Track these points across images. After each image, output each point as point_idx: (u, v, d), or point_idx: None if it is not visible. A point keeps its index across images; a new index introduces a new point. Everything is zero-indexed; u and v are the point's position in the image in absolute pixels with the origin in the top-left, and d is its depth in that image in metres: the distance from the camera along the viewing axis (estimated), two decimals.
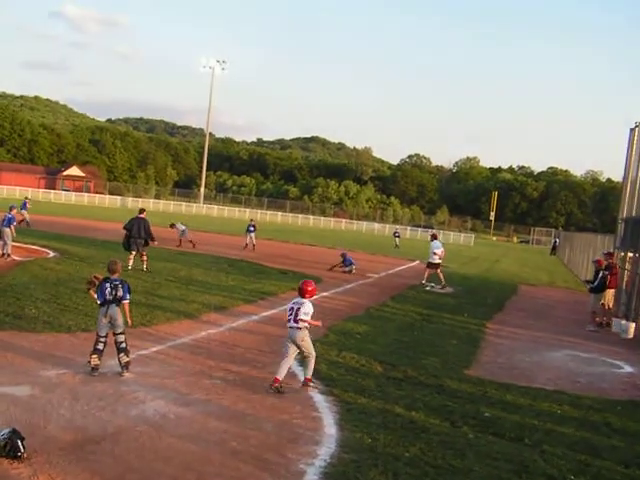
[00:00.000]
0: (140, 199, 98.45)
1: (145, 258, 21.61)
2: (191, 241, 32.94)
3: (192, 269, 22.99)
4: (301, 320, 9.74)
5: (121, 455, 6.89)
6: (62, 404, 8.24)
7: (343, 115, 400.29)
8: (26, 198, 40.03)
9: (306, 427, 8.32)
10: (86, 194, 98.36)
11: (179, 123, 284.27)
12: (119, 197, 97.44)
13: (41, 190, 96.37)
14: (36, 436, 7.02)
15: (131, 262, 21.25)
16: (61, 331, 12.01)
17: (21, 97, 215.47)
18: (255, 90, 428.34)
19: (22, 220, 33.97)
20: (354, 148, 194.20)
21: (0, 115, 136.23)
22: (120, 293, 9.83)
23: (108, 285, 9.80)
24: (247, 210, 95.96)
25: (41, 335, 11.66)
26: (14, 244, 22.61)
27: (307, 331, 9.88)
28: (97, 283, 9.89)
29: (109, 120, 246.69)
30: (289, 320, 9.86)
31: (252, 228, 35.04)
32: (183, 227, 34.15)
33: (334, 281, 24.00)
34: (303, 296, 10.03)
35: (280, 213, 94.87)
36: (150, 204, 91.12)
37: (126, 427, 7.69)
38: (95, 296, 9.83)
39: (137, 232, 21.70)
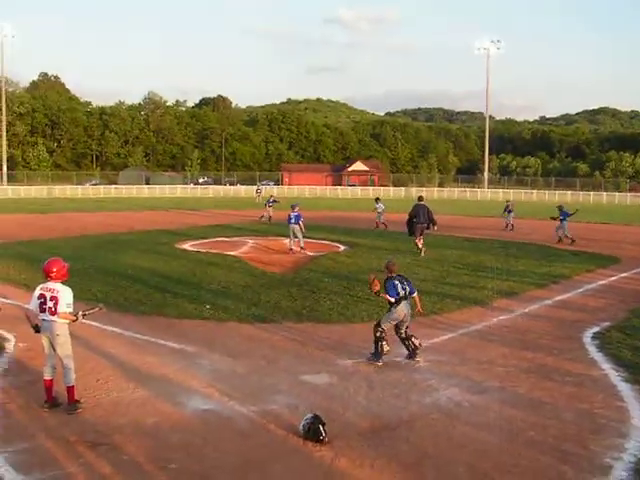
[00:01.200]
0: (424, 188, 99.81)
1: (423, 242, 22.63)
2: (384, 223, 33.37)
3: (480, 255, 22.78)
4: (62, 313, 7.81)
5: (416, 442, 7.07)
6: (358, 392, 8.68)
7: (634, 81, 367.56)
8: (271, 196, 39.55)
9: (610, 418, 7.79)
10: (371, 187, 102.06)
11: (457, 109, 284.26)
12: (403, 188, 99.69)
13: (328, 187, 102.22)
14: (336, 422, 7.48)
15: (420, 244, 22.52)
16: (354, 322, 12.62)
17: (304, 101, 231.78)
18: (534, 67, 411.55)
19: (262, 216, 36.54)
20: None
21: (288, 120, 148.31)
22: (408, 288, 10.09)
23: (397, 282, 10.06)
24: (534, 192, 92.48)
25: (336, 326, 12.36)
26: (307, 240, 24.00)
27: (66, 325, 7.93)
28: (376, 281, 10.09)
29: (388, 113, 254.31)
30: (43, 310, 7.88)
31: (509, 209, 34.64)
32: (382, 207, 34.57)
33: (634, 260, 22.13)
34: (49, 278, 8.00)
35: (569, 192, 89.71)
36: (434, 192, 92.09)
37: (420, 414, 7.87)
38: (387, 296, 9.98)
39: (422, 218, 22.77)
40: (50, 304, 7.81)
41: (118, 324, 12.02)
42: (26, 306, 7.89)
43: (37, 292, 7.96)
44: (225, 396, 8.35)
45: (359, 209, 51.51)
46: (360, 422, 7.58)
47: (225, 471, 6.30)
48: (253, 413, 7.78)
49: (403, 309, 9.96)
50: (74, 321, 7.88)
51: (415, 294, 10.28)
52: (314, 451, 6.79)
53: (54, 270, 7.97)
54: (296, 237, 23.49)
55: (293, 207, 24.31)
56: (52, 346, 7.85)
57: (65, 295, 7.85)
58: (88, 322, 12.02)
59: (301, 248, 23.38)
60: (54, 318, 7.76)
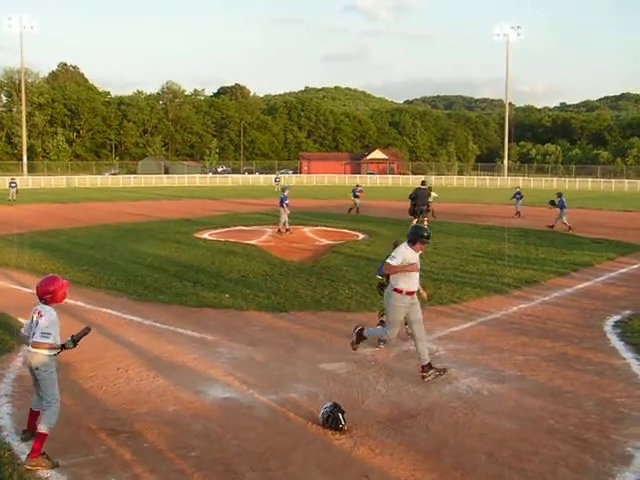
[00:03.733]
0: (443, 176, 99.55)
1: (427, 223, 24.33)
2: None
3: (500, 243, 22.65)
4: (34, 343, 6.27)
5: (436, 430, 7.07)
6: (378, 380, 8.68)
7: None
8: (357, 185, 39.10)
9: (632, 407, 7.73)
10: (390, 176, 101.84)
11: (477, 97, 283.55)
12: (422, 176, 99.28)
13: (347, 175, 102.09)
14: (355, 410, 7.50)
15: (426, 223, 24.25)
16: (373, 310, 12.54)
17: (322, 89, 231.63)
18: (553, 53, 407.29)
19: (351, 208, 35.74)
20: None
21: (306, 108, 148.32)
22: None
23: None
24: (554, 179, 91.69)
25: (355, 314, 12.31)
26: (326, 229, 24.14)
27: (48, 357, 6.33)
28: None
29: (407, 101, 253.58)
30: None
31: (518, 196, 34.94)
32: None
33: None
34: (43, 300, 6.42)
35: (590, 179, 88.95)
36: (454, 180, 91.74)
37: (440, 403, 7.87)
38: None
39: (421, 200, 25.61)
40: (34, 329, 6.31)
41: (138, 313, 12.11)
42: (22, 331, 6.60)
43: (31, 314, 6.44)
44: (245, 384, 8.39)
45: (378, 198, 51.40)
46: (379, 410, 7.59)
47: (246, 459, 6.34)
48: (273, 401, 7.82)
49: None
50: (57, 352, 6.33)
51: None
52: (333, 439, 6.81)
53: (50, 291, 6.39)
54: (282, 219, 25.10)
55: (283, 190, 26.10)
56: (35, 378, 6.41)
57: (45, 320, 6.24)
58: (108, 310, 12.19)
59: (279, 230, 24.98)
60: (29, 347, 6.30)
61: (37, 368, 6.28)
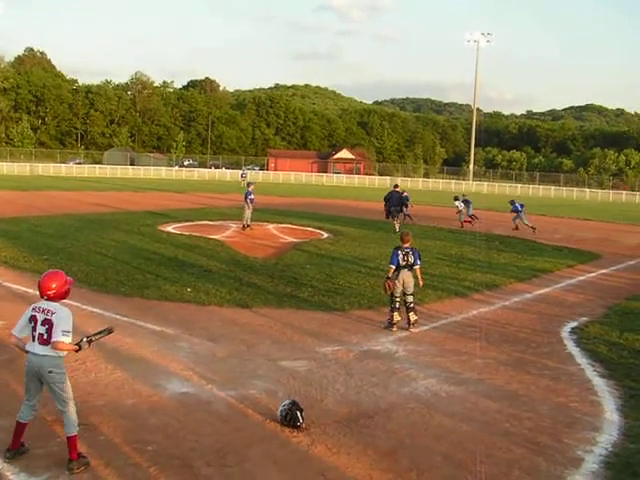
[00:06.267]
0: (409, 179, 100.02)
1: (398, 222, 27.03)
2: (468, 221, 32.36)
3: (462, 247, 22.88)
4: (56, 343, 5.88)
5: (393, 430, 7.12)
6: (337, 379, 8.72)
7: (621, 78, 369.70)
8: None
9: (584, 412, 7.90)
10: (356, 176, 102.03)
11: (445, 100, 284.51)
12: (388, 177, 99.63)
13: (314, 174, 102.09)
14: (314, 408, 7.54)
15: (397, 226, 26.34)
16: (335, 309, 12.65)
17: (292, 86, 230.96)
18: (523, 62, 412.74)
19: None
20: (635, 113, 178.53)
21: (275, 105, 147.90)
22: (412, 260, 11.22)
23: (400, 252, 11.21)
24: (518, 186, 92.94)
25: (317, 313, 12.37)
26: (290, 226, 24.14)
27: (61, 358, 6.06)
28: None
29: (376, 102, 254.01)
30: (32, 338, 6.01)
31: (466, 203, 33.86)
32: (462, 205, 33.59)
33: (614, 257, 22.36)
34: (46, 297, 6.07)
35: (553, 187, 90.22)
36: (419, 183, 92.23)
37: (398, 404, 7.93)
38: (391, 265, 11.20)
39: (395, 202, 27.60)
40: (41, 330, 5.88)
41: (98, 304, 11.97)
42: (12, 331, 6.18)
43: (28, 313, 6.00)
44: (204, 379, 8.36)
45: (343, 197, 51.52)
46: (338, 409, 7.62)
47: (203, 454, 6.32)
48: (231, 397, 7.80)
49: (402, 276, 11.18)
50: (76, 351, 6.08)
51: (418, 267, 11.38)
52: (291, 437, 6.82)
53: (52, 287, 6.01)
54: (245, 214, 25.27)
55: (249, 185, 26.69)
56: (41, 385, 6.03)
57: (62, 318, 5.90)
58: (68, 301, 11.99)
59: (244, 226, 24.94)
60: (45, 349, 5.86)
61: (51, 371, 5.91)
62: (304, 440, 6.75)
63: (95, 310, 11.56)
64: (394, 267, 11.17)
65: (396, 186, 29.96)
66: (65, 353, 6.01)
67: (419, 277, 11.42)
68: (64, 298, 6.12)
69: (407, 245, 11.36)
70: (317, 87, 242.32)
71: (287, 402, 7.18)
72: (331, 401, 7.89)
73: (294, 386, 8.32)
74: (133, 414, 7.20)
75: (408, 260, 11.20)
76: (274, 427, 7.02)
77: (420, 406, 7.84)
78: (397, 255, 11.19)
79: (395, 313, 11.26)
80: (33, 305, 6.07)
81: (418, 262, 11.36)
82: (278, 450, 6.54)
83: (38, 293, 6.11)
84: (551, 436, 7.11)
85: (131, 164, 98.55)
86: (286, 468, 6.17)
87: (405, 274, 11.23)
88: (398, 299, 11.26)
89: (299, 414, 7.00)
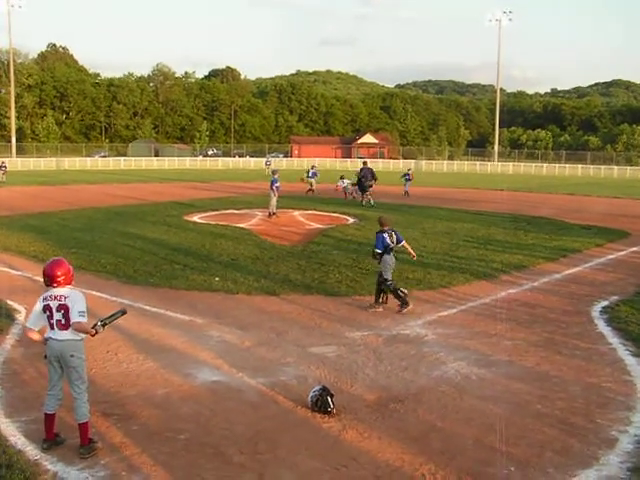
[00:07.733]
0: (434, 161, 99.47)
1: (369, 193, 30.41)
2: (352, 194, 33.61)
3: (490, 228, 22.73)
4: (76, 323, 6.03)
5: (424, 414, 7.11)
6: (367, 364, 8.71)
7: None
8: (313, 167, 41.30)
9: (617, 392, 7.81)
10: (380, 160, 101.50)
11: (468, 82, 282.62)
12: (413, 161, 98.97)
13: (338, 159, 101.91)
14: (344, 393, 7.55)
15: (366, 199, 30.14)
16: (363, 294, 12.61)
17: (314, 72, 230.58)
18: (546, 39, 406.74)
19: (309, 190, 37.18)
20: None
21: (297, 91, 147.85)
22: (394, 238, 11.57)
23: (387, 235, 11.50)
24: (544, 165, 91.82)
25: (345, 298, 12.38)
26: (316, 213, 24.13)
27: (82, 341, 6.23)
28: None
29: (398, 85, 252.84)
30: (51, 327, 6.11)
31: (407, 177, 38.24)
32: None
33: None
34: (56, 284, 6.14)
35: (580, 166, 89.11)
36: (444, 166, 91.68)
37: (428, 387, 7.91)
38: (376, 249, 11.48)
39: (365, 177, 30.23)
40: (58, 316, 6.01)
41: (127, 295, 12.08)
42: (27, 324, 6.36)
43: (39, 304, 6.09)
44: (234, 368, 8.41)
45: None
46: (368, 394, 7.63)
47: (234, 442, 6.36)
48: (262, 385, 7.84)
49: (392, 258, 11.54)
50: (92, 335, 6.14)
51: (403, 242, 11.81)
52: (322, 423, 6.84)
53: (59, 274, 6.11)
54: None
55: (274, 172, 26.37)
56: (61, 372, 6.17)
57: (77, 301, 6.05)
58: (97, 293, 12.14)
59: (269, 214, 24.98)
60: (66, 334, 6.02)
61: (72, 355, 6.06)
62: (335, 426, 6.77)
63: (124, 301, 11.62)
64: (381, 251, 11.44)
65: (365, 163, 32.64)
66: (85, 336, 6.13)
67: (410, 251, 12.03)
68: (71, 283, 6.25)
69: (387, 227, 11.71)
70: (339, 72, 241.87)
71: (317, 388, 7.20)
72: (361, 386, 7.89)
73: (324, 372, 8.33)
74: (165, 403, 7.27)
75: (392, 240, 11.54)
76: (305, 413, 7.04)
77: (450, 389, 7.81)
78: (384, 238, 11.47)
79: (400, 289, 11.51)
80: (43, 295, 6.16)
81: (402, 238, 11.77)
82: (309, 436, 6.56)
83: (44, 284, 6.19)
84: (584, 417, 7.05)
85: (155, 155, 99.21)
86: (318, 454, 6.19)
87: (392, 256, 11.56)
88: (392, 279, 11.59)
89: (329, 400, 7.02)
